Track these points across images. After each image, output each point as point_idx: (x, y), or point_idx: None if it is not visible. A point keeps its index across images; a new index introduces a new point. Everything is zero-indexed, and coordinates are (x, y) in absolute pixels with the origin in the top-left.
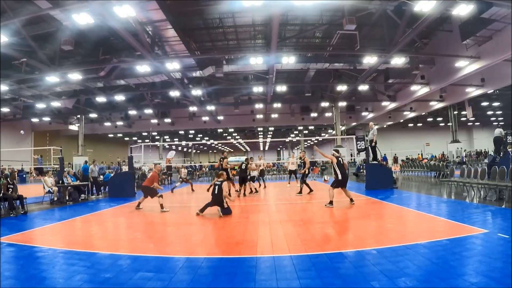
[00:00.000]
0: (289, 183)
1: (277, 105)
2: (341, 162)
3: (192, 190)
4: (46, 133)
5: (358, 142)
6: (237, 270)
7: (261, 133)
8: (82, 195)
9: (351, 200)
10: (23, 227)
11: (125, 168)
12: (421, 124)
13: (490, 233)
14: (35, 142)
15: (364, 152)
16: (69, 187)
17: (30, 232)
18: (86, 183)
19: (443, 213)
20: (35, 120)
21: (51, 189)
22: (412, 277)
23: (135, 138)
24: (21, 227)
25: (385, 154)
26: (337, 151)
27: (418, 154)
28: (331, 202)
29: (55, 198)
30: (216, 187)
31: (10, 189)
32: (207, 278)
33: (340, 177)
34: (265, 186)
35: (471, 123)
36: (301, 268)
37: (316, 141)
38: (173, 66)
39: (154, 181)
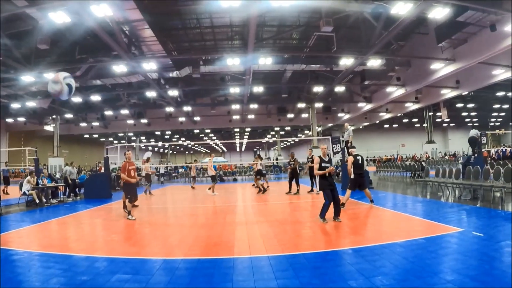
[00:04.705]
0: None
1: (254, 106)
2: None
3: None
4: (21, 133)
5: (333, 145)
6: (214, 271)
7: (238, 134)
8: (58, 197)
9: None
10: None
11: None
12: (396, 125)
13: (465, 231)
14: (9, 143)
15: (340, 153)
16: (44, 189)
17: (5, 234)
18: (63, 184)
19: (419, 212)
20: (9, 120)
21: (27, 191)
22: (389, 276)
23: (111, 139)
24: None
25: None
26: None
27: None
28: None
29: (37, 201)
30: None
31: None
32: (184, 279)
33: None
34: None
35: (446, 124)
36: (279, 268)
37: (293, 142)
38: (149, 66)
39: (121, 172)
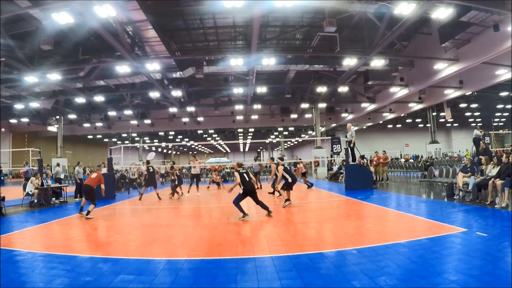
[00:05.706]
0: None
1: (257, 106)
2: (288, 168)
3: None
4: (25, 134)
5: (334, 146)
6: (218, 271)
7: (241, 134)
8: (61, 197)
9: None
10: (2, 230)
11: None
12: (400, 125)
13: (468, 231)
14: (13, 144)
15: (342, 153)
16: (48, 189)
17: (9, 235)
18: (66, 185)
19: (422, 212)
20: (13, 121)
21: (30, 191)
22: (393, 276)
23: (114, 140)
24: None
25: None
26: (282, 159)
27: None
28: (287, 200)
29: (35, 201)
30: (245, 175)
31: None
32: (188, 280)
33: (290, 180)
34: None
35: (450, 124)
36: (282, 268)
37: (296, 142)
38: (153, 66)
39: (101, 183)
